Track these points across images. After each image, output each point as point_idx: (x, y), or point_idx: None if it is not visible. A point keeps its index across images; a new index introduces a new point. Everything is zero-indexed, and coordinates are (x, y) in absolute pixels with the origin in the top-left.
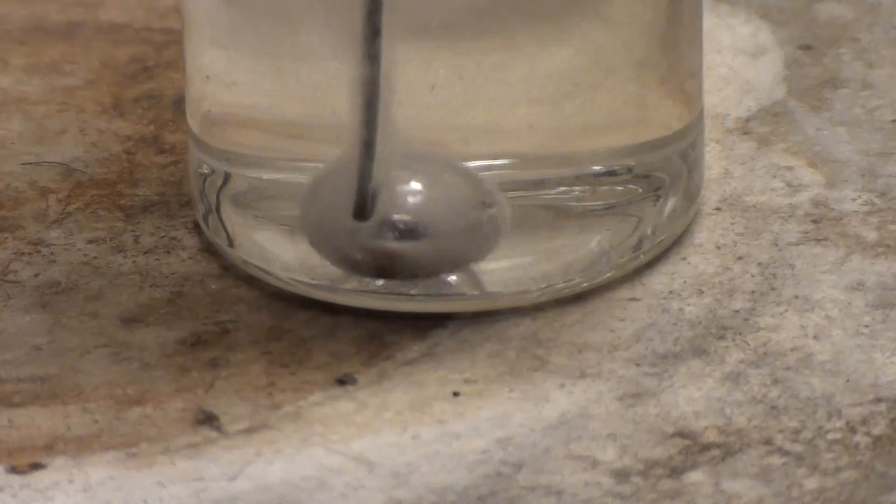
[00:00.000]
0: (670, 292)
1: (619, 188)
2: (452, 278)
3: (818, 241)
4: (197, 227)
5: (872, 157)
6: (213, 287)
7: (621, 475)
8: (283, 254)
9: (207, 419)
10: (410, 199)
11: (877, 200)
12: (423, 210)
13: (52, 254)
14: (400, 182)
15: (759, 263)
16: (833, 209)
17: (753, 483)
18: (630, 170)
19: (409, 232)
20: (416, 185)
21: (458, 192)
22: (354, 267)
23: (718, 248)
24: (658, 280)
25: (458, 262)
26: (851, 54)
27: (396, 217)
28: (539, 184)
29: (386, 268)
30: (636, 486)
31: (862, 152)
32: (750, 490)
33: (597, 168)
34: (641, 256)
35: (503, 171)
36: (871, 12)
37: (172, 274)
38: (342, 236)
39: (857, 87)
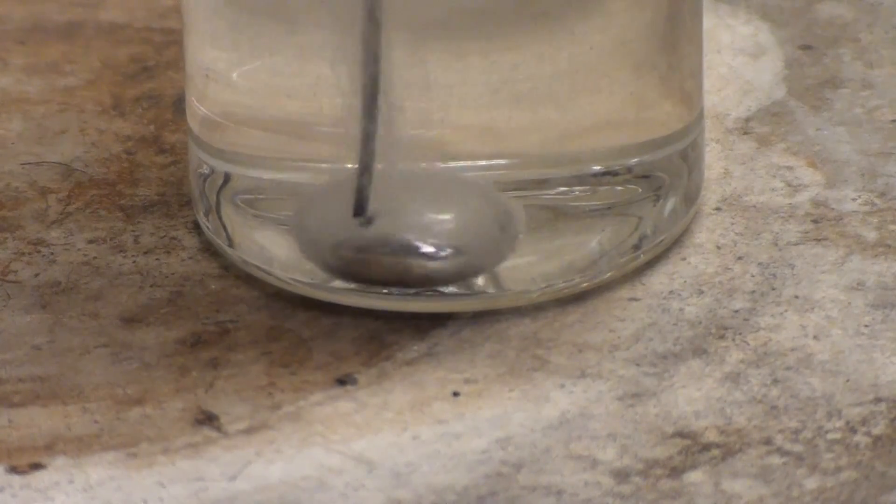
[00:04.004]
0: (670, 292)
1: (619, 188)
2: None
3: (818, 241)
4: (197, 227)
5: (872, 157)
6: (213, 287)
7: (621, 475)
8: (283, 254)
9: (207, 419)
10: (424, 218)
11: (877, 200)
12: (437, 228)
13: (52, 254)
14: (413, 199)
15: (759, 263)
16: (833, 209)
17: (753, 483)
18: (630, 170)
19: (421, 252)
20: (429, 202)
21: (474, 212)
22: (358, 279)
23: (718, 248)
24: (658, 280)
25: (470, 273)
26: (851, 54)
27: (407, 237)
28: (539, 184)
29: (393, 281)
30: (636, 486)
31: (862, 152)
32: (750, 490)
33: (597, 168)
34: (641, 256)
35: (503, 171)
36: (871, 12)
37: (172, 274)
38: (342, 248)
39: (857, 87)
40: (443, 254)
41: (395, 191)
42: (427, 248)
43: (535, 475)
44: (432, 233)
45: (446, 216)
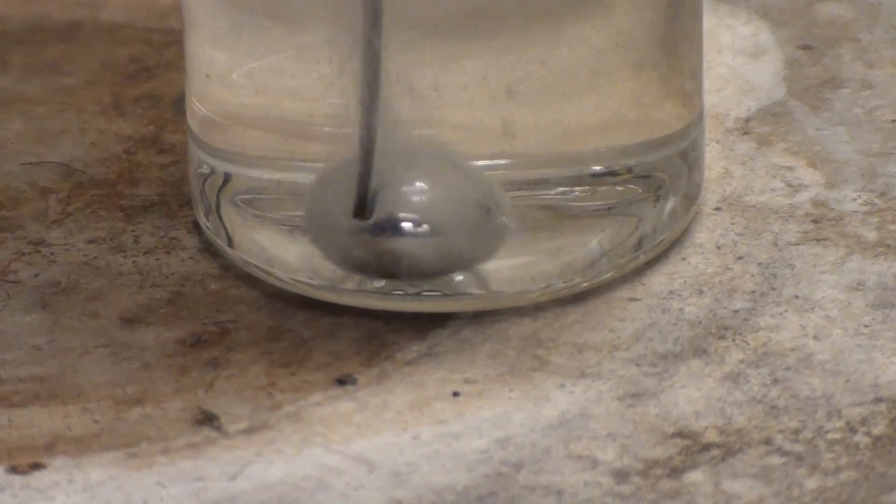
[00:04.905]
0: (670, 292)
1: (619, 188)
2: (458, 278)
3: (818, 241)
4: (197, 227)
5: (872, 157)
6: (213, 287)
7: (621, 475)
8: (283, 254)
9: (207, 419)
10: (414, 199)
11: (877, 200)
12: (427, 209)
13: (52, 254)
14: (404, 181)
15: (759, 263)
16: (833, 209)
17: (753, 483)
18: (630, 170)
19: (411, 231)
20: (420, 185)
21: (462, 192)
22: (356, 267)
23: (718, 248)
24: (658, 280)
25: (462, 263)
26: (851, 54)
27: (399, 216)
28: (539, 184)
29: (388, 268)
30: (636, 486)
31: (862, 152)
32: (750, 490)
33: (597, 168)
34: (641, 256)
35: (503, 171)
36: (871, 12)
37: (172, 274)
38: (344, 236)
39: (857, 87)
40: (432, 246)
41: (397, 188)
42: (417, 240)
43: (535, 475)
44: (426, 226)
45: (441, 209)
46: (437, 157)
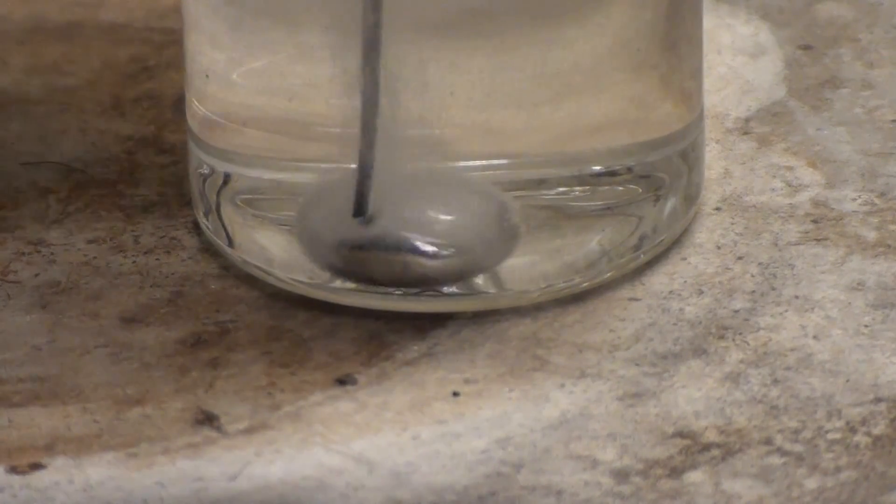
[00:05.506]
0: (670, 292)
1: (619, 188)
2: (476, 280)
3: (818, 241)
4: (197, 227)
5: (872, 157)
6: (213, 287)
7: (621, 475)
8: (283, 254)
9: (207, 419)
10: (429, 225)
11: (877, 200)
12: (444, 232)
13: (52, 254)
14: (413, 203)
15: (759, 263)
16: (833, 209)
17: (753, 483)
18: (630, 170)
19: (432, 257)
20: (430, 202)
21: (475, 205)
22: (358, 279)
23: (718, 248)
24: (658, 280)
25: (471, 273)
26: (851, 54)
27: (407, 236)
28: (539, 184)
29: (393, 280)
30: (636, 486)
31: (862, 152)
32: (750, 490)
33: (597, 168)
34: (641, 256)
35: (503, 171)
36: (871, 12)
37: (172, 274)
38: (343, 248)
39: (857, 87)
40: (442, 253)
41: (395, 190)
42: (426, 248)
43: (535, 475)
44: (432, 232)
45: (446, 215)
46: (440, 170)
